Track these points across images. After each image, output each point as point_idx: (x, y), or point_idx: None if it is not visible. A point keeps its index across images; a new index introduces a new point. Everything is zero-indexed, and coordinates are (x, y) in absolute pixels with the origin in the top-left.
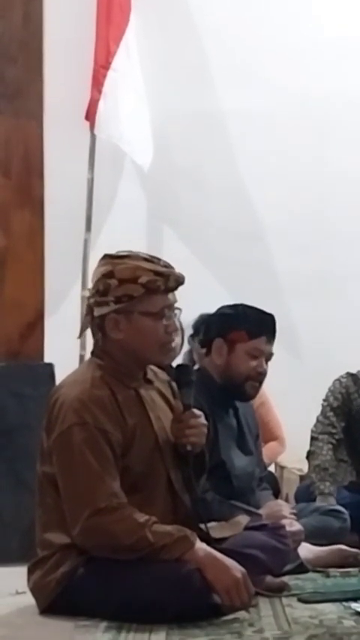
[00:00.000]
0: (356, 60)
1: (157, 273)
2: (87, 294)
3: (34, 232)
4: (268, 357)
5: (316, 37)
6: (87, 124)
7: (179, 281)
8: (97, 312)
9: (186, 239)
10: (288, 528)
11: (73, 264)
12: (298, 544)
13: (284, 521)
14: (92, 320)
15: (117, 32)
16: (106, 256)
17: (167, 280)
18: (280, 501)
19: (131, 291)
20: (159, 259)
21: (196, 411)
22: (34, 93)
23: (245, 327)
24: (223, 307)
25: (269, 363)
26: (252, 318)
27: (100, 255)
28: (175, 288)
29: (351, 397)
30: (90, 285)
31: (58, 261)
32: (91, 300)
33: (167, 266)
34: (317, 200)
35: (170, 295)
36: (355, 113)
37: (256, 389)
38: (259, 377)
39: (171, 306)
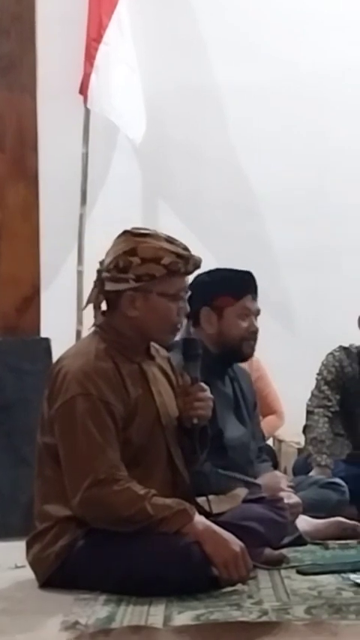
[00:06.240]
0: (356, 32)
1: (178, 256)
2: (82, 268)
3: (29, 206)
4: (256, 313)
5: (315, 8)
6: (81, 97)
7: (197, 265)
8: (111, 286)
9: (181, 212)
10: (286, 501)
11: (69, 238)
12: (297, 516)
13: (282, 494)
14: (99, 293)
15: (109, 5)
16: (127, 233)
17: (187, 263)
18: (277, 472)
19: (153, 270)
20: (177, 241)
21: (203, 385)
22: (28, 66)
23: (228, 290)
24: (198, 276)
25: (265, 337)
26: (232, 280)
27: (96, 229)
28: (193, 271)
29: (344, 370)
30: (86, 258)
31: (54, 235)
32: (106, 274)
33: (186, 249)
34: (313, 174)
35: (186, 278)
36: (353, 86)
37: (252, 347)
38: (253, 335)
39: (185, 289)
